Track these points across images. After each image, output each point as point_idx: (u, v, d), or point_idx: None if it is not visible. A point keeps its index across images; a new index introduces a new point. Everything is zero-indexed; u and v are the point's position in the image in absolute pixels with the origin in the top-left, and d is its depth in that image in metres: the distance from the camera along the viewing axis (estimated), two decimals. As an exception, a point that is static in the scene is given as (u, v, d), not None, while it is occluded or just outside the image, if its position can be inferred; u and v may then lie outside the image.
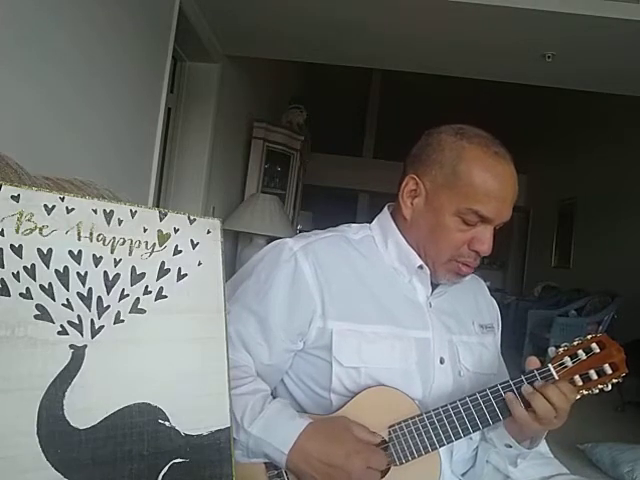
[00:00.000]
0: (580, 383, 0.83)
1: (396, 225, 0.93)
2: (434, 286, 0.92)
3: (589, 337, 0.85)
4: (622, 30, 2.46)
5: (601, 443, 2.52)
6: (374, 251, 0.93)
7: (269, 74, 4.59)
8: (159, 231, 0.62)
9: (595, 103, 5.55)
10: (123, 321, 0.57)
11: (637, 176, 4.93)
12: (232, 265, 3.57)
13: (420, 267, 0.89)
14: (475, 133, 0.87)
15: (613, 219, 5.32)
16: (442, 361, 0.89)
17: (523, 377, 0.83)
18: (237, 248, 3.93)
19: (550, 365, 0.83)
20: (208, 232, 0.66)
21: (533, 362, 0.85)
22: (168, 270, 0.62)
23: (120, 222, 0.59)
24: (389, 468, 0.79)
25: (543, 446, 0.94)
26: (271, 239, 0.94)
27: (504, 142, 0.88)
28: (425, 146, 0.90)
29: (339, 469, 0.73)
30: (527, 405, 0.80)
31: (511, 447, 0.87)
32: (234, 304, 0.86)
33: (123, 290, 0.58)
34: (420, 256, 0.89)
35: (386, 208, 0.98)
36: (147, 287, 0.60)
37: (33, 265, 0.53)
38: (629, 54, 2.70)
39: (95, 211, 0.58)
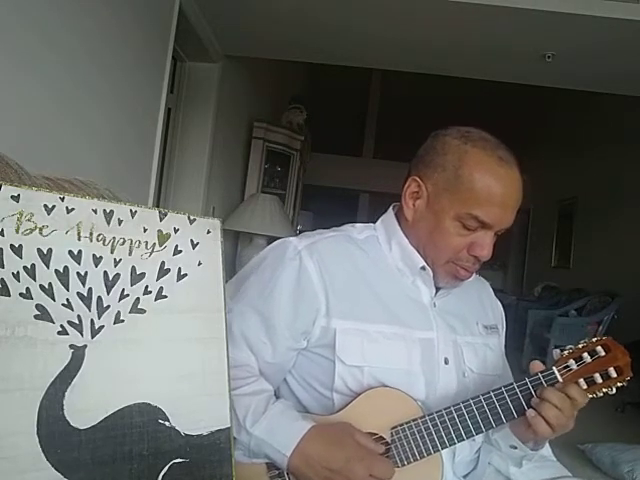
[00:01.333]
0: (585, 387, 0.81)
1: (399, 225, 0.92)
2: (437, 287, 0.91)
3: (594, 340, 0.84)
4: (622, 30, 2.46)
5: (601, 443, 2.52)
6: (378, 251, 0.92)
7: (269, 74, 4.59)
8: (159, 231, 0.62)
9: (595, 103, 5.55)
10: (123, 321, 0.57)
11: (637, 176, 4.93)
12: (232, 265, 3.57)
13: (422, 268, 0.89)
14: (480, 137, 0.85)
15: (613, 219, 5.32)
16: (447, 361, 0.88)
17: (527, 380, 0.81)
18: (237, 248, 3.92)
19: (554, 368, 0.82)
20: (208, 232, 0.66)
21: (537, 366, 0.83)
22: (168, 270, 0.62)
23: (120, 222, 0.59)
24: None
25: (545, 449, 0.92)
26: (271, 239, 0.94)
27: (504, 142, 0.86)
28: (430, 148, 0.89)
29: (339, 473, 0.72)
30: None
31: (516, 448, 0.86)
32: (238, 302, 0.86)
33: (123, 290, 0.58)
34: (421, 256, 0.89)
35: (391, 208, 0.97)
36: (147, 287, 0.60)
37: (33, 265, 0.53)
38: (629, 54, 2.69)
39: (95, 211, 0.58)
